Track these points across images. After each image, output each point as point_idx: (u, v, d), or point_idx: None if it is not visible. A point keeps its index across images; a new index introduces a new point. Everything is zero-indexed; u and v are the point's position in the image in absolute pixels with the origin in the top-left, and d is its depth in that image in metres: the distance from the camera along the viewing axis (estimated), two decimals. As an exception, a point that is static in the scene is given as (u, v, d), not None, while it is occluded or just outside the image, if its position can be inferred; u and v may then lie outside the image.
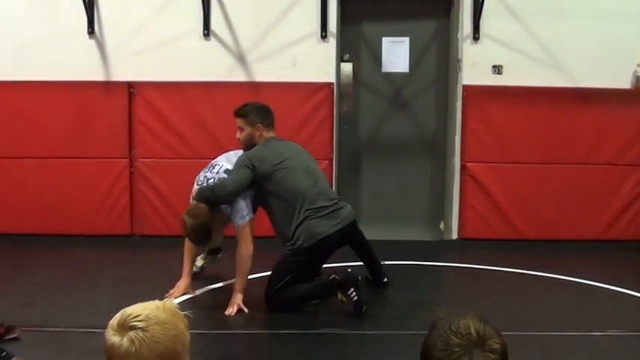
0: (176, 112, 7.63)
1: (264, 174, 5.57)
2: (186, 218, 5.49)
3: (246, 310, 5.45)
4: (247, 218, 5.53)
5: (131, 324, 1.99)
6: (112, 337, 1.99)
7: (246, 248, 5.50)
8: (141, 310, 2.03)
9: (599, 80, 7.54)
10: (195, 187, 5.74)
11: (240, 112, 5.88)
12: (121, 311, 2.05)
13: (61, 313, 5.49)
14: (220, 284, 6.16)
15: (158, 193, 7.64)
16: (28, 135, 7.61)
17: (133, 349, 1.96)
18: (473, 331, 1.92)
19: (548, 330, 5.18)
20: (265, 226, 5.86)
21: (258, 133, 5.81)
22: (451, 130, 7.85)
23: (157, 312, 2.03)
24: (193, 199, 5.65)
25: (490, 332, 1.93)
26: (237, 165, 5.60)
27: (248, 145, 5.81)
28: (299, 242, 5.49)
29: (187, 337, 2.07)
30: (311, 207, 5.54)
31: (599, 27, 7.55)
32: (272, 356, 5.04)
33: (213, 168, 5.74)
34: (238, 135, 5.87)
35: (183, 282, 5.78)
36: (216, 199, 5.53)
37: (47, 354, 4.77)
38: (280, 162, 5.62)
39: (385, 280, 6.17)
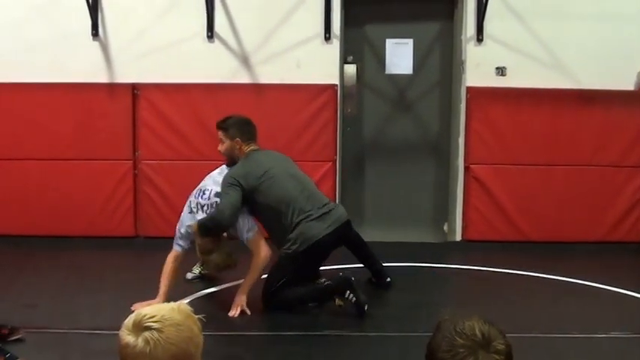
0: (180, 113, 7.64)
1: (251, 188, 5.58)
2: (205, 258, 5.74)
3: (248, 312, 5.46)
4: (255, 230, 5.59)
5: (146, 324, 1.99)
6: (127, 337, 2.00)
7: (265, 252, 5.55)
8: (156, 311, 2.04)
9: (603, 82, 7.53)
10: (187, 214, 5.69)
11: (221, 126, 5.89)
12: (136, 311, 2.05)
13: (64, 314, 5.50)
14: (222, 286, 6.15)
15: (162, 195, 7.65)
16: (32, 137, 7.62)
17: (148, 349, 1.96)
18: (478, 332, 1.92)
19: (552, 332, 5.17)
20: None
21: (238, 146, 5.80)
22: (455, 131, 7.85)
23: (172, 313, 2.03)
24: (196, 236, 5.60)
25: (495, 333, 1.94)
26: (225, 187, 5.59)
27: (229, 157, 5.85)
28: (294, 247, 5.51)
29: (201, 339, 2.08)
30: (302, 211, 5.56)
31: (602, 28, 7.54)
32: (274, 358, 5.01)
33: (203, 194, 5.71)
34: (220, 147, 5.89)
35: (156, 302, 5.20)
36: (219, 227, 5.57)
37: (51, 355, 4.77)
38: (264, 173, 5.64)
39: (388, 280, 6.17)
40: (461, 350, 1.90)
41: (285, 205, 5.56)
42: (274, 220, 5.61)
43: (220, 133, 5.86)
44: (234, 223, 5.53)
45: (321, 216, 5.60)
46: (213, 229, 5.54)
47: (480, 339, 1.91)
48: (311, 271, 5.72)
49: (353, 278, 5.48)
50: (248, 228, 5.54)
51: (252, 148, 5.83)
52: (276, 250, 5.70)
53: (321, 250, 5.63)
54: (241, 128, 5.86)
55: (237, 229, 5.58)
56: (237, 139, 5.79)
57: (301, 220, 5.54)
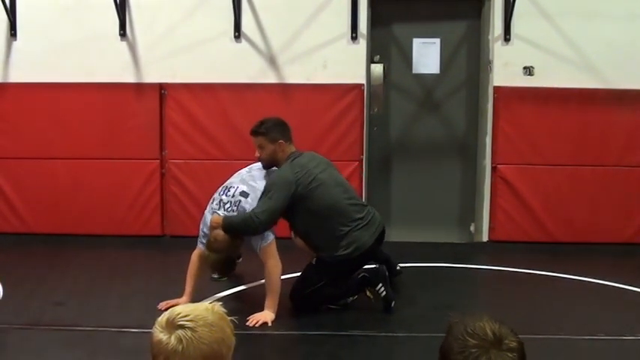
0: (207, 113, 7.67)
1: (299, 195, 5.42)
2: (208, 254, 5.43)
3: (269, 325, 5.30)
4: (270, 238, 5.36)
5: (179, 323, 2.02)
6: (160, 334, 2.02)
7: (275, 267, 5.34)
8: (190, 310, 2.06)
9: (631, 81, 7.47)
10: (210, 211, 5.49)
11: (260, 130, 5.58)
12: (170, 309, 2.08)
13: (92, 312, 5.54)
14: (248, 285, 6.16)
15: (189, 194, 7.69)
16: (61, 136, 7.70)
17: (180, 347, 1.99)
18: (489, 331, 1.94)
19: (579, 334, 5.12)
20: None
21: (281, 149, 5.56)
22: (482, 131, 7.82)
23: (205, 313, 2.06)
24: (214, 230, 5.34)
25: (506, 332, 1.96)
26: (270, 189, 5.37)
27: (270, 163, 5.60)
28: (346, 253, 5.45)
29: (233, 341, 2.10)
30: (352, 219, 5.50)
31: (630, 27, 7.48)
32: (301, 357, 5.04)
33: (228, 190, 5.49)
34: (258, 154, 5.59)
35: (182, 301, 5.32)
36: (251, 231, 5.31)
37: (79, 353, 4.81)
38: (312, 180, 5.46)
39: (398, 267, 6.14)
40: (473, 350, 1.92)
41: (332, 213, 5.45)
42: (317, 225, 5.49)
43: (259, 139, 5.56)
44: (268, 229, 5.34)
45: (367, 223, 5.57)
46: (243, 230, 5.34)
47: (492, 338, 1.93)
48: (351, 274, 5.66)
49: (387, 273, 5.54)
50: (263, 236, 5.32)
51: (293, 149, 5.65)
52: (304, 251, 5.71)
53: (367, 255, 5.61)
54: (281, 129, 5.62)
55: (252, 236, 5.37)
56: (280, 141, 5.54)
57: (351, 229, 5.47)
